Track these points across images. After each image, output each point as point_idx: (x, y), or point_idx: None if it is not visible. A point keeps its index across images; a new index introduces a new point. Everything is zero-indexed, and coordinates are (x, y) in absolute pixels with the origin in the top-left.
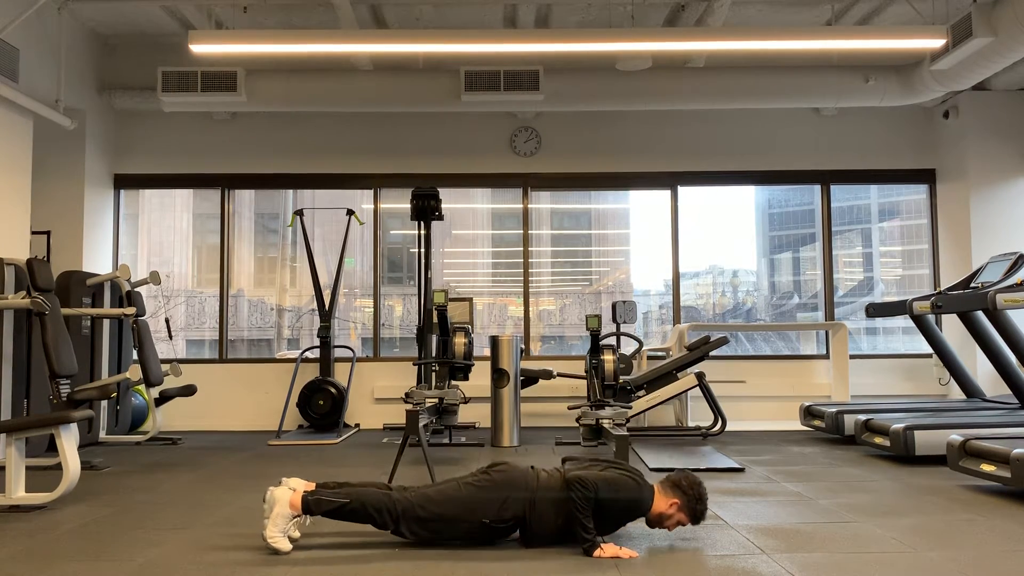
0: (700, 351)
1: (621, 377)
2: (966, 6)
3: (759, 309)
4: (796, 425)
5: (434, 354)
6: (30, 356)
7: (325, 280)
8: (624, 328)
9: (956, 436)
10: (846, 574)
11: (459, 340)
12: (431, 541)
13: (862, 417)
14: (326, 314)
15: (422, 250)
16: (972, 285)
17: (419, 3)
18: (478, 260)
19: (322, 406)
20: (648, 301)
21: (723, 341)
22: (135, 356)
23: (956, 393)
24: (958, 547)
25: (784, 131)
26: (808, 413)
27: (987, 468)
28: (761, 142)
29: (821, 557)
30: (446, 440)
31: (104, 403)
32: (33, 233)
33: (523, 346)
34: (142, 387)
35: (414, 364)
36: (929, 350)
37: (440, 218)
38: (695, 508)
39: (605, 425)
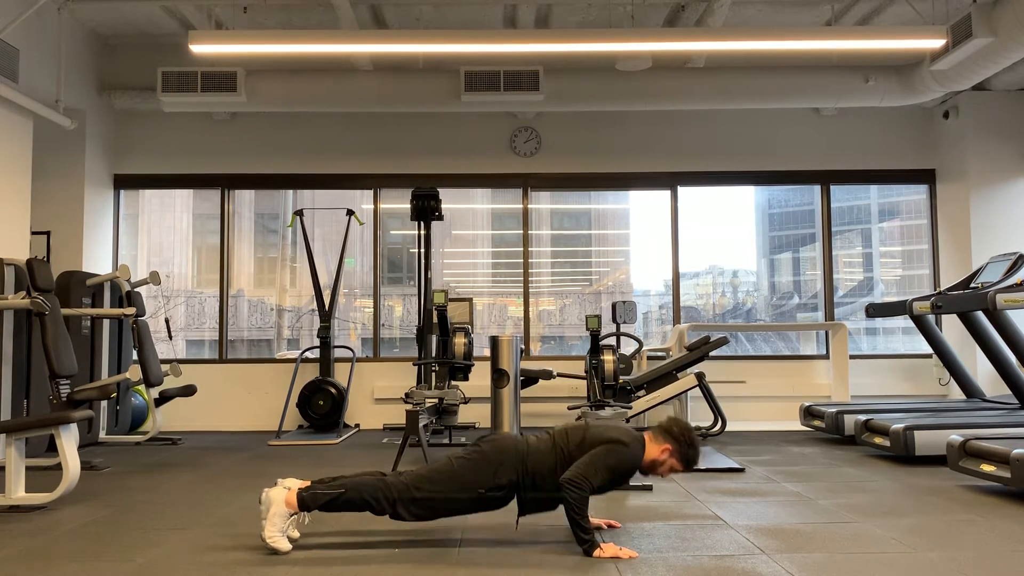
0: (700, 351)
1: (621, 377)
2: (966, 6)
3: (759, 309)
4: (796, 425)
5: (434, 354)
6: (30, 356)
7: (325, 280)
8: (624, 328)
9: (956, 436)
10: (846, 574)
11: (459, 340)
12: (430, 519)
13: (862, 417)
14: (326, 314)
15: (422, 250)
16: (972, 285)
17: (419, 3)
18: (478, 260)
19: (322, 406)
20: (648, 301)
21: (723, 341)
22: (135, 356)
23: (956, 393)
24: (958, 547)
25: (784, 131)
26: (808, 413)
27: (987, 468)
28: (761, 142)
29: (821, 557)
30: (446, 440)
31: (104, 403)
32: (33, 233)
33: (523, 346)
34: (142, 387)
35: (414, 364)
36: (929, 350)
37: (440, 218)
38: (687, 453)
39: None
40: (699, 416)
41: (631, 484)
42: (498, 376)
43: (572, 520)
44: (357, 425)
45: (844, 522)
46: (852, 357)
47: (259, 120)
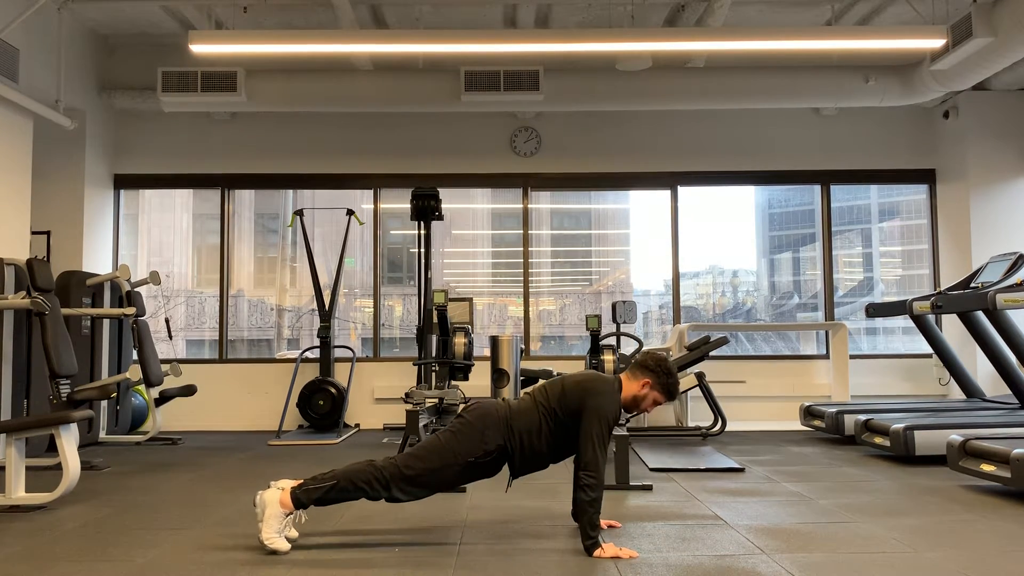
0: (700, 351)
1: None
2: (966, 6)
3: (759, 309)
4: (796, 425)
5: (434, 354)
6: (30, 356)
7: (325, 280)
8: (624, 328)
9: (956, 436)
10: (846, 574)
11: (459, 340)
12: (426, 495)
13: (862, 417)
14: (326, 314)
15: (422, 250)
16: (972, 285)
17: (419, 3)
18: (478, 260)
19: (322, 406)
20: (648, 301)
21: (723, 341)
22: (135, 356)
23: (956, 393)
24: (958, 547)
25: (784, 131)
26: (808, 413)
27: (987, 468)
28: (761, 142)
29: (821, 557)
30: None
31: (104, 403)
32: (33, 233)
33: (523, 346)
34: (142, 387)
35: (414, 364)
36: (929, 350)
37: (440, 218)
38: (667, 383)
39: None
40: (699, 416)
41: (631, 484)
42: (498, 376)
43: (585, 517)
44: (357, 425)
45: (844, 522)
46: (852, 357)
47: (259, 120)
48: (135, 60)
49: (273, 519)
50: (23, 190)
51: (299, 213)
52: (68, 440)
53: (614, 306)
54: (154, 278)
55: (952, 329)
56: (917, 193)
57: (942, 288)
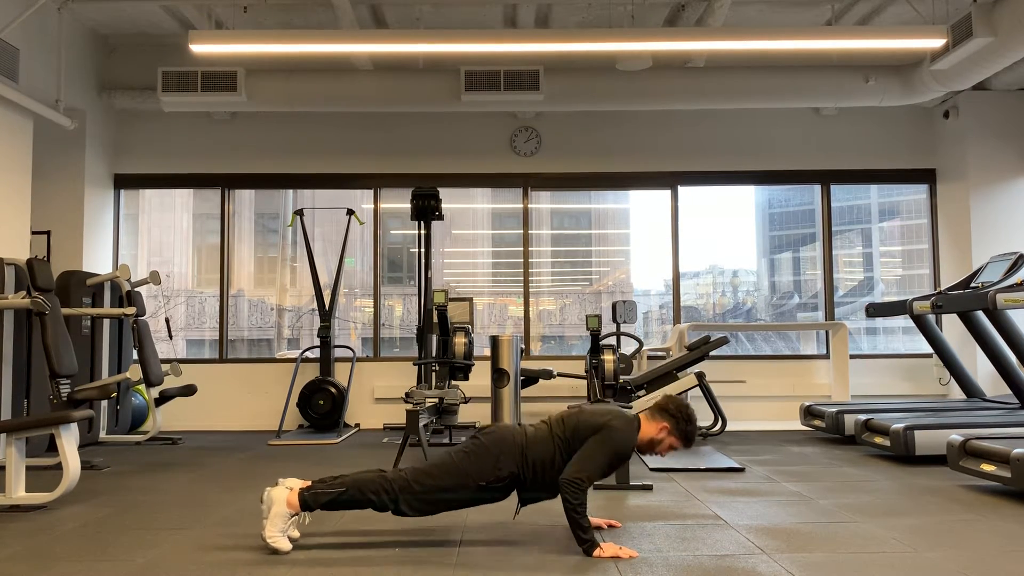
0: (700, 351)
1: (621, 377)
2: (966, 6)
3: (759, 309)
4: (796, 425)
5: (434, 354)
6: (30, 356)
7: (325, 280)
8: (624, 328)
9: (956, 436)
10: (846, 574)
11: (459, 340)
12: (432, 513)
13: (862, 417)
14: (326, 314)
15: (422, 250)
16: (972, 285)
17: (419, 3)
18: (478, 260)
19: (322, 406)
20: (648, 301)
21: (723, 341)
22: (135, 356)
23: (956, 393)
24: (958, 547)
25: (784, 131)
26: (808, 413)
27: (987, 468)
28: (761, 142)
29: (821, 557)
30: (446, 440)
31: (104, 403)
32: (33, 233)
33: (523, 346)
34: (142, 387)
35: (414, 364)
36: (929, 350)
37: (440, 218)
38: (685, 430)
39: None
40: (699, 416)
41: (631, 484)
42: (498, 376)
43: (572, 520)
44: (357, 425)
45: (844, 522)
46: (852, 357)
47: (259, 120)
48: (135, 60)
49: (278, 518)
50: (23, 190)
51: (299, 213)
52: (68, 440)
53: (614, 306)
54: (154, 278)
55: (952, 329)
56: (917, 193)
57: (942, 288)
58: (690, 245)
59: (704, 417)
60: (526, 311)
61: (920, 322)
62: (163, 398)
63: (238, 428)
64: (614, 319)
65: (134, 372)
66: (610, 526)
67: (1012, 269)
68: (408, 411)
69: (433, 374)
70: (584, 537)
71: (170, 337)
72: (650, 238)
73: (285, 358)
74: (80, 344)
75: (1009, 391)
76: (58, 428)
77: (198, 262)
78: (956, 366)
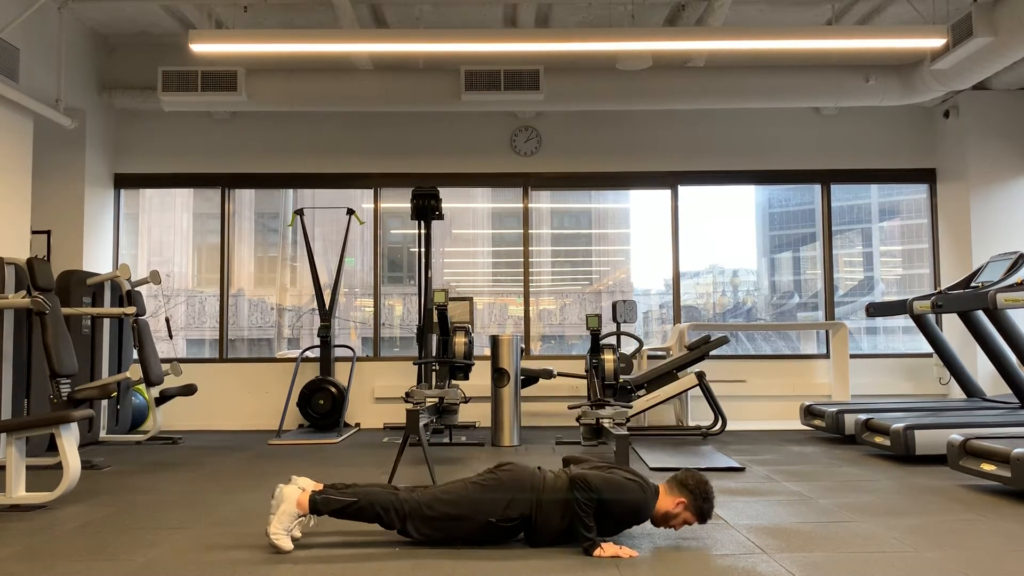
0: (700, 351)
1: (621, 376)
2: (966, 6)
3: (759, 309)
4: (796, 425)
5: (434, 354)
6: (30, 356)
7: (325, 280)
8: (624, 327)
9: (956, 436)
10: (847, 574)
11: (459, 340)
12: (438, 541)
13: (862, 417)
14: (326, 314)
15: (422, 250)
16: (972, 284)
17: (419, 3)
18: (478, 260)
19: (322, 405)
20: (648, 301)
21: (723, 341)
22: (135, 355)
23: (956, 393)
24: (958, 547)
25: (784, 131)
26: (808, 413)
27: (987, 468)
28: (761, 142)
29: (821, 557)
30: (446, 440)
31: (104, 402)
32: (33, 233)
33: (523, 345)
34: (142, 386)
35: (414, 364)
36: (929, 350)
37: (440, 217)
38: (702, 507)
39: (605, 424)
40: (699, 415)
41: None
42: (498, 375)
43: (576, 517)
44: (357, 424)
45: (844, 521)
46: (852, 356)
47: (259, 119)
48: (135, 59)
49: (285, 516)
50: (23, 189)
51: (299, 212)
52: (68, 439)
53: (614, 305)
54: (154, 277)
55: (952, 329)
56: (917, 193)
57: (942, 288)
58: (690, 245)
59: (704, 416)
60: (526, 311)
61: (920, 322)
62: (163, 398)
63: (238, 428)
64: (614, 319)
65: (134, 372)
66: None
67: (1012, 269)
68: (408, 411)
69: (433, 374)
70: (587, 535)
71: (170, 337)
72: (650, 238)
73: (285, 358)
74: (80, 344)
75: (1009, 391)
76: (58, 428)
77: (198, 262)
78: (956, 366)
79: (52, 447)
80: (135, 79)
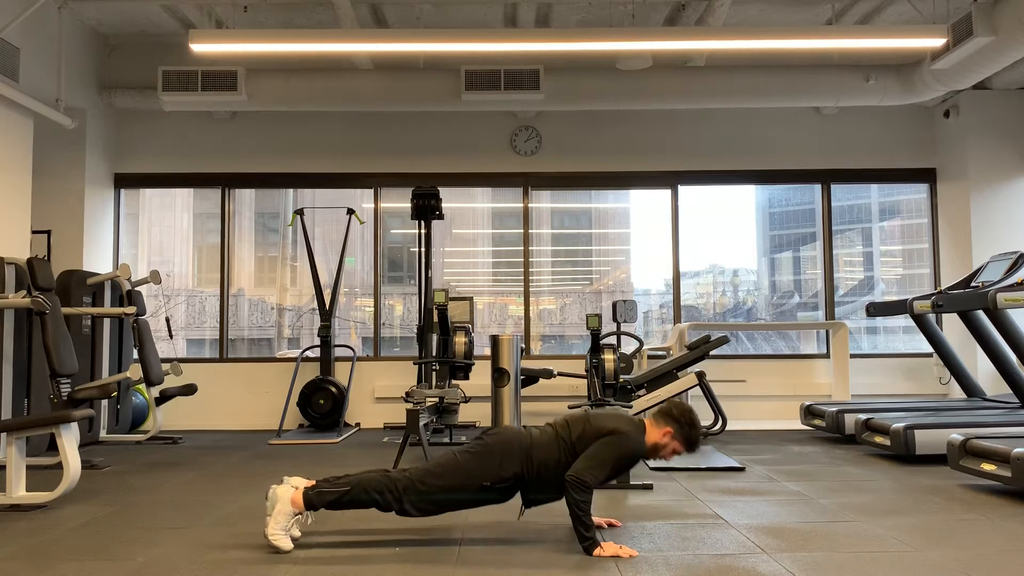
0: (700, 350)
1: (621, 376)
2: (966, 5)
3: (759, 308)
4: (796, 424)
5: (434, 353)
6: (30, 355)
7: (325, 279)
8: (624, 327)
9: (956, 435)
10: (847, 573)
11: (459, 339)
12: (436, 513)
13: (862, 416)
14: (326, 313)
15: (422, 249)
16: (972, 284)
17: (419, 2)
18: (478, 259)
19: (322, 405)
20: (648, 300)
21: (723, 340)
22: (135, 355)
23: (956, 392)
24: (959, 546)
25: (784, 131)
26: (808, 412)
27: (988, 467)
28: (761, 142)
29: (822, 556)
30: (447, 439)
31: (104, 402)
32: (33, 232)
33: (523, 345)
34: (142, 386)
35: (414, 363)
36: (929, 349)
37: (440, 217)
38: (689, 434)
39: None
40: (700, 415)
41: (631, 483)
42: (498, 375)
43: (575, 517)
44: (358, 424)
45: (845, 521)
46: (852, 356)
47: (259, 119)
48: (135, 59)
49: (281, 516)
50: (24, 189)
51: (299, 212)
52: (69, 439)
53: (615, 305)
54: (154, 277)
55: (952, 328)
56: (917, 192)
57: (942, 287)
58: (690, 244)
59: (704, 416)
60: (526, 310)
61: (920, 321)
62: (163, 397)
63: (238, 427)
64: (614, 318)
65: (134, 371)
66: (610, 525)
67: (1012, 268)
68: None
69: (433, 373)
70: (586, 535)
71: (170, 336)
72: (650, 237)
73: (285, 357)
74: (80, 343)
75: (1009, 390)
76: (58, 427)
77: (198, 261)
78: (956, 365)
79: (52, 447)
80: (135, 79)
